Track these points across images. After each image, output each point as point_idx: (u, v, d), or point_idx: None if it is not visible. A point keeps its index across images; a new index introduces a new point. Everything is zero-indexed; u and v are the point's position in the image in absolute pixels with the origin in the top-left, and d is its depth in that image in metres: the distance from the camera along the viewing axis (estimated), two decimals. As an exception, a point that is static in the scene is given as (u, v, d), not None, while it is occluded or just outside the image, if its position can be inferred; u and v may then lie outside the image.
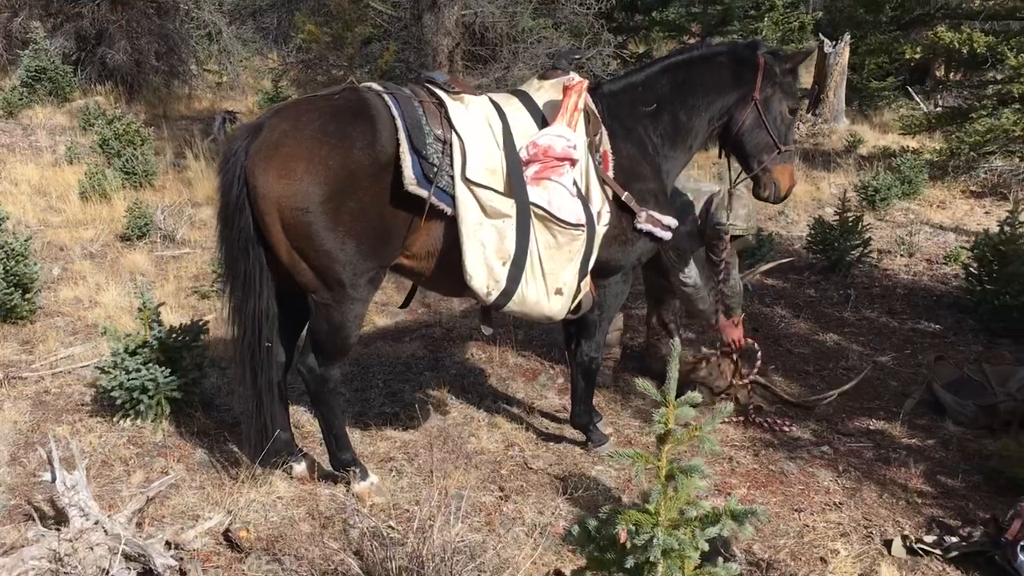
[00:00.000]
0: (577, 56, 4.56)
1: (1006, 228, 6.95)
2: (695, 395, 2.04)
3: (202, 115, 14.51)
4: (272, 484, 4.25)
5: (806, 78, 17.21)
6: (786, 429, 5.13)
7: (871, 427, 5.23)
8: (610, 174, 4.28)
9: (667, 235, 4.45)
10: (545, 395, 5.53)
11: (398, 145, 3.79)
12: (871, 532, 4.16)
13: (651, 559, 1.93)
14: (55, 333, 5.98)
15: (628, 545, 2.00)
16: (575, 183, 4.07)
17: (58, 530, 3.36)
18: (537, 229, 3.96)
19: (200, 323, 4.99)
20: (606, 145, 4.30)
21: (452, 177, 3.85)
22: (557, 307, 4.13)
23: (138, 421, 4.74)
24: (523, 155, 4.00)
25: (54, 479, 3.42)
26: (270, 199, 3.71)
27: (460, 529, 3.67)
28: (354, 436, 4.75)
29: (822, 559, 3.95)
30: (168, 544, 3.52)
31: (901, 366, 6.14)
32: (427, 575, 3.12)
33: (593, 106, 4.31)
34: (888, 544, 4.06)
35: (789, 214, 10.13)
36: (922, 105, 16.50)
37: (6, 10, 14.52)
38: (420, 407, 5.10)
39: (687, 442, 2.04)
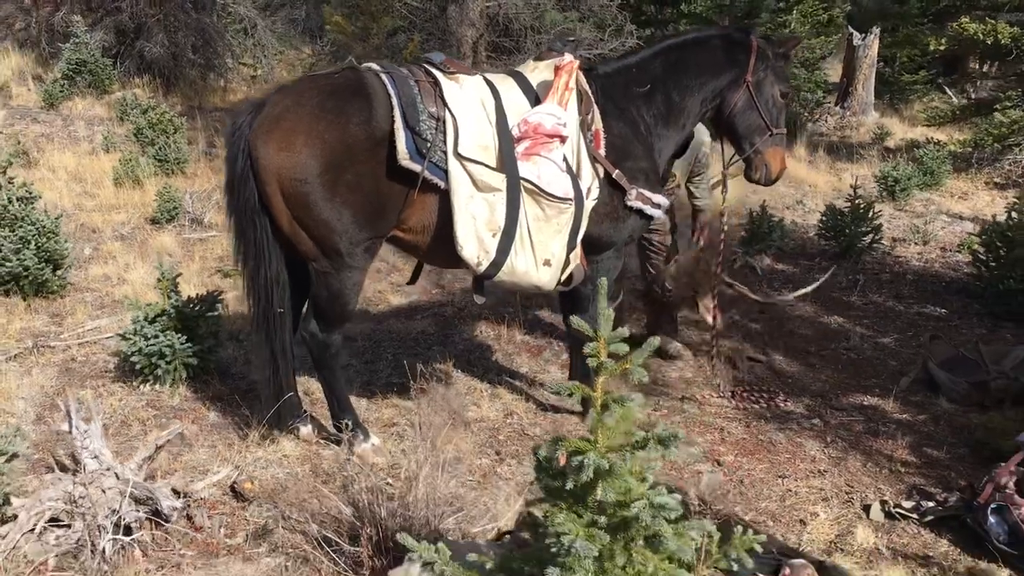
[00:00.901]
0: (572, 39, 4.78)
1: (1013, 214, 7.02)
2: (622, 330, 2.22)
3: (236, 107, 14.82)
4: (279, 444, 4.49)
5: (835, 71, 17.23)
6: (779, 404, 5.28)
7: (864, 403, 5.37)
8: (601, 152, 4.44)
9: (657, 213, 4.62)
10: (548, 369, 5.71)
11: (393, 121, 3.99)
12: (852, 497, 4.31)
13: (586, 478, 2.12)
14: (84, 307, 6.27)
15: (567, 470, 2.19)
16: (565, 159, 4.24)
17: (74, 475, 3.61)
18: (527, 202, 4.15)
19: (216, 294, 5.24)
20: (598, 124, 4.45)
21: (445, 152, 4.05)
22: (546, 277, 4.32)
23: (156, 386, 5.01)
24: (515, 132, 4.17)
25: (71, 428, 3.66)
26: (271, 170, 3.95)
27: (450, 483, 3.89)
28: (361, 403, 4.99)
29: (801, 521, 4.10)
30: (176, 492, 3.76)
31: (902, 347, 6.25)
32: (414, 517, 3.33)
33: (587, 86, 4.46)
34: (867, 508, 4.20)
35: (807, 203, 10.23)
36: (954, 98, 16.43)
37: (48, 5, 14.96)
38: (426, 378, 5.31)
39: (618, 373, 2.23)
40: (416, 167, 4.02)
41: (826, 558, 3.73)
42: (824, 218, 8.27)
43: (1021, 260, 6.64)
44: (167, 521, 3.61)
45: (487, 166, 4.09)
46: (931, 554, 3.86)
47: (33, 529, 3.46)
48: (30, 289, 6.18)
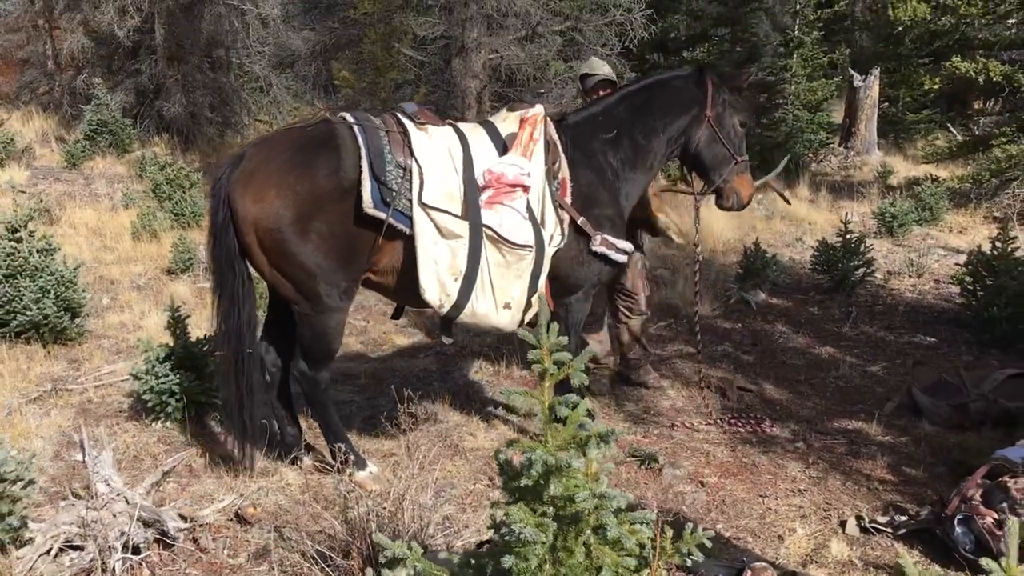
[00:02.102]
0: (542, 91, 5.07)
1: (998, 244, 7.23)
2: (563, 339, 2.46)
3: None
4: (282, 474, 4.74)
5: (838, 112, 17.53)
6: (766, 429, 5.47)
7: (848, 427, 5.54)
8: (568, 200, 4.69)
9: (622, 258, 4.87)
10: (543, 402, 5.92)
11: (360, 171, 4.25)
12: (829, 514, 4.48)
13: (535, 474, 2.35)
14: (101, 353, 6.58)
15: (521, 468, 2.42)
16: (529, 207, 4.48)
17: (87, 501, 3.86)
18: (488, 249, 4.38)
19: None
20: (565, 173, 4.71)
21: (410, 201, 4.29)
22: (505, 320, 4.56)
23: (167, 423, 5.26)
24: (480, 181, 4.42)
25: (84, 457, 3.92)
26: (248, 221, 4.24)
27: (444, 506, 4.12)
28: (363, 436, 5.24)
29: (780, 537, 4.28)
30: (183, 517, 4.00)
31: (890, 375, 6.43)
32: (403, 533, 3.56)
33: (556, 136, 4.73)
34: (843, 524, 4.37)
35: (806, 240, 10.46)
36: (958, 136, 16.68)
37: (71, 68, 15.55)
38: (425, 412, 5.56)
39: (561, 377, 2.47)
40: (381, 215, 4.26)
41: (800, 569, 3.92)
42: (817, 253, 8.49)
43: (1005, 289, 6.83)
44: (174, 542, 3.84)
45: (451, 214, 4.33)
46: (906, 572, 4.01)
47: (49, 551, 3.70)
48: (49, 336, 6.50)
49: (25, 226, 6.65)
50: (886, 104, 17.41)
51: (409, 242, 4.35)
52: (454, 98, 11.31)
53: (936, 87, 13.22)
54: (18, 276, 6.44)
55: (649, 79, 5.14)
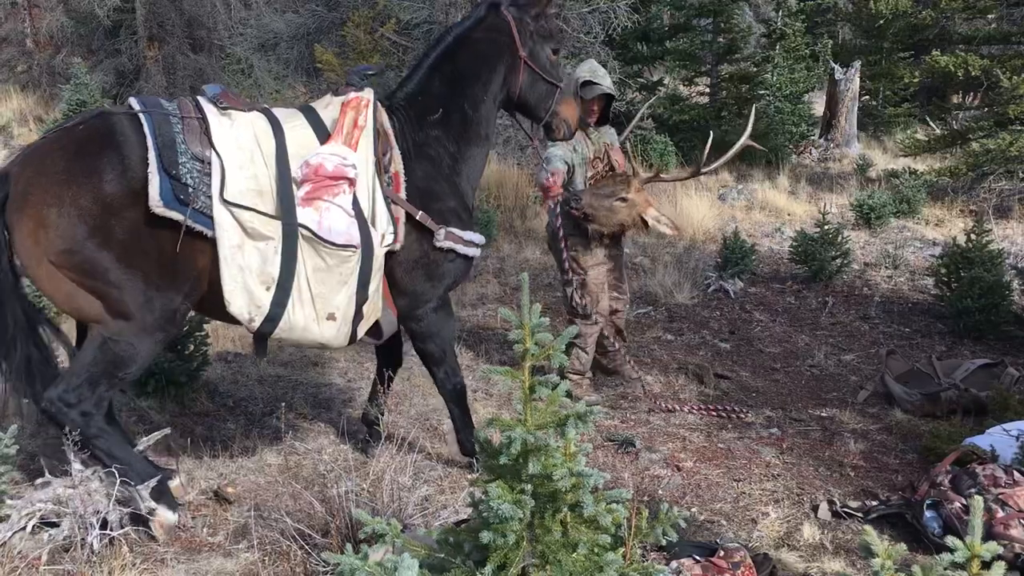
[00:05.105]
0: (372, 72, 4.27)
1: (973, 236, 7.33)
2: (544, 320, 2.49)
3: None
4: (262, 455, 4.76)
5: (819, 104, 17.62)
6: (742, 416, 5.53)
7: (823, 414, 5.62)
8: (402, 195, 4.17)
9: (473, 252, 4.39)
10: (522, 386, 5.96)
11: (147, 166, 3.65)
12: (802, 499, 4.55)
13: (515, 452, 2.39)
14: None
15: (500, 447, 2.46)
16: (356, 203, 3.95)
17: (63, 479, 3.87)
18: (305, 252, 3.85)
19: (204, 316, 5.51)
20: (398, 165, 4.18)
21: (210, 198, 3.71)
22: (329, 333, 4.02)
23: (147, 402, 5.27)
24: (297, 174, 3.87)
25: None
26: (34, 251, 3.64)
27: (421, 487, 4.16)
28: (341, 420, 5.26)
29: (753, 520, 4.34)
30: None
31: (864, 364, 6.52)
32: (380, 512, 3.59)
33: (387, 124, 4.19)
34: (815, 508, 4.45)
35: (785, 231, 10.51)
36: (936, 129, 16.82)
37: (49, 47, 15.43)
38: (405, 396, 5.59)
39: (542, 357, 2.51)
40: (175, 215, 3.66)
41: (772, 551, 3.98)
42: (795, 243, 8.57)
43: (979, 280, 6.92)
44: (150, 519, 3.86)
45: (260, 212, 3.77)
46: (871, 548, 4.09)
47: (25, 528, 3.72)
48: (28, 315, 6.47)
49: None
50: (866, 97, 17.52)
51: (214, 247, 3.77)
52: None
53: (916, 81, 13.32)
54: (-4, 254, 6.40)
55: (448, 38, 4.43)
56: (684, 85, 17.04)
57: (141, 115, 3.73)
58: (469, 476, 4.56)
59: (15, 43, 16.92)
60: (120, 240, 3.66)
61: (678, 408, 5.57)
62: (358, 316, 4.07)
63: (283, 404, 4.83)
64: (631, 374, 5.98)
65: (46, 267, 3.64)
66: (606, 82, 5.60)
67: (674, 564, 3.56)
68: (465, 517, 3.70)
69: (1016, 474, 4.06)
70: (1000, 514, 3.85)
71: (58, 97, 14.60)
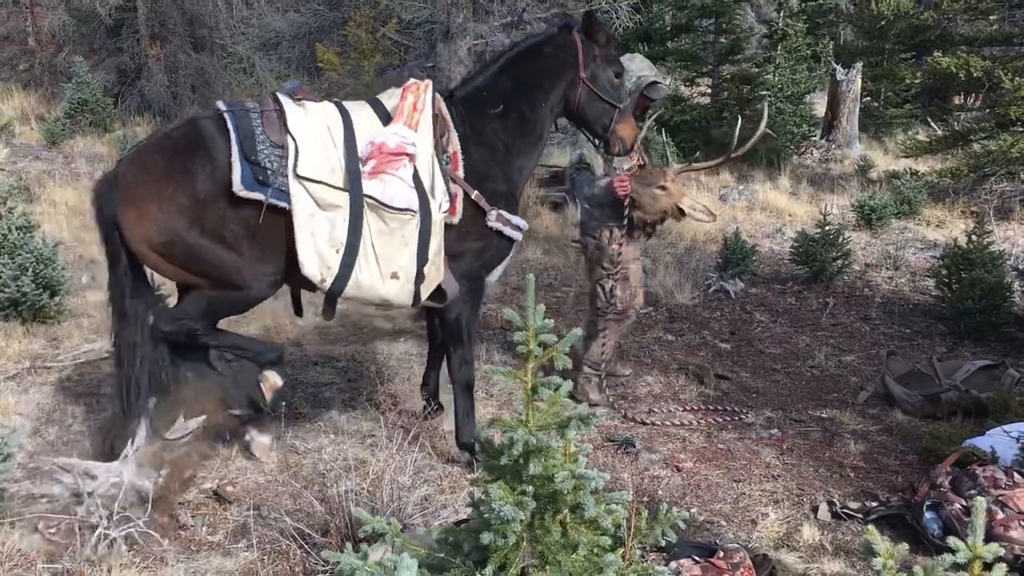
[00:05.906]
0: (430, 65, 4.88)
1: (974, 237, 7.33)
2: (549, 321, 2.50)
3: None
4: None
5: (821, 105, 17.61)
6: (742, 417, 5.53)
7: (823, 415, 5.62)
8: (460, 173, 4.57)
9: (517, 235, 4.76)
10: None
11: (231, 158, 4.12)
12: (802, 499, 4.55)
13: (516, 453, 2.39)
14: (80, 331, 6.56)
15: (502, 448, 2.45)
16: (416, 176, 4.35)
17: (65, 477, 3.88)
18: (370, 218, 4.26)
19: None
20: (456, 147, 4.59)
21: (286, 176, 4.16)
22: (393, 290, 4.39)
23: (147, 401, 5.27)
24: (363, 153, 4.28)
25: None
26: (141, 240, 4.13)
27: (421, 487, 4.16)
28: (341, 417, 5.27)
29: (752, 521, 4.35)
30: (162, 494, 4.02)
31: (865, 364, 6.52)
32: (380, 512, 3.59)
33: (445, 110, 4.60)
34: (815, 509, 4.45)
35: (786, 231, 10.51)
36: (938, 131, 16.81)
37: (51, 46, 15.44)
38: (405, 394, 5.59)
39: (546, 358, 2.51)
40: (257, 195, 4.12)
41: (772, 552, 3.98)
42: (796, 244, 8.56)
43: (980, 282, 6.92)
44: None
45: (330, 185, 4.20)
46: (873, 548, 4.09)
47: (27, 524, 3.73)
48: (28, 314, 6.47)
49: (4, 203, 6.62)
50: (868, 98, 17.50)
51: (290, 219, 4.22)
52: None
53: (917, 82, 13.30)
54: (-3, 253, 6.41)
55: (522, 46, 4.92)
56: (685, 85, 17.02)
57: (225, 115, 4.19)
58: (469, 476, 4.57)
59: (17, 41, 16.94)
60: (212, 227, 4.14)
61: (671, 423, 5.51)
62: (420, 277, 4.42)
63: (283, 404, 4.83)
64: (623, 371, 6.13)
65: (153, 256, 4.19)
66: (664, 83, 5.93)
67: (673, 565, 3.56)
68: (465, 517, 3.70)
69: (1016, 476, 4.07)
70: (1000, 516, 3.85)
71: (60, 96, 14.63)
